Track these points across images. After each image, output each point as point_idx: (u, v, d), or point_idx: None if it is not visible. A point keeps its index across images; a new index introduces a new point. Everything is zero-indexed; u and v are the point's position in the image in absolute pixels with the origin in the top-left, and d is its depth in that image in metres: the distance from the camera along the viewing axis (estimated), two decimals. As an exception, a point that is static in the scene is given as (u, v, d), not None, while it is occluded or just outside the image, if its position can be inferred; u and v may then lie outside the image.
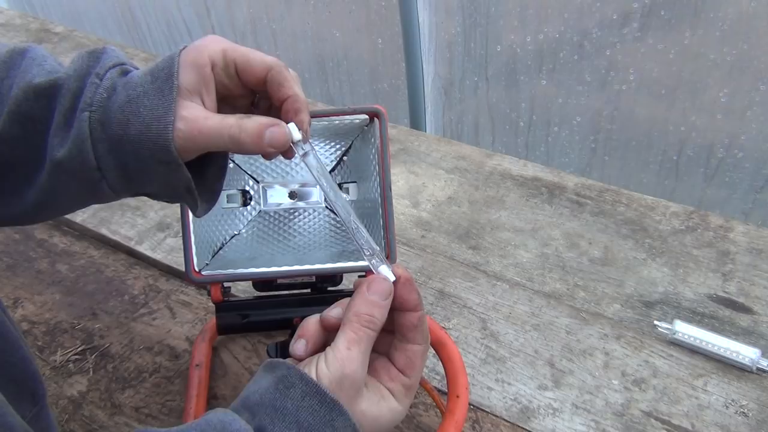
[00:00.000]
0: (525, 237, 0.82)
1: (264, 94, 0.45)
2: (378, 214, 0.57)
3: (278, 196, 0.63)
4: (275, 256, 0.61)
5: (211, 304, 0.75)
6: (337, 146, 0.62)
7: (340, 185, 0.62)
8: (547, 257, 0.79)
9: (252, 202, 0.63)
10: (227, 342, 0.72)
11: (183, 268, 0.56)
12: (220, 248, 0.61)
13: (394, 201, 0.59)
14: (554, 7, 1.06)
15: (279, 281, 0.60)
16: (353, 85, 1.45)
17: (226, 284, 0.61)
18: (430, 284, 0.77)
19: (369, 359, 0.42)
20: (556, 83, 1.15)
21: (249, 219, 0.63)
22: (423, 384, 0.61)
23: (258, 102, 0.47)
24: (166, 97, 0.40)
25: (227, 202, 0.61)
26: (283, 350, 0.55)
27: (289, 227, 0.64)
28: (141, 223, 0.88)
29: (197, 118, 0.40)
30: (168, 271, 0.82)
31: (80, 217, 0.89)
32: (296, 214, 0.64)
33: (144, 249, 0.84)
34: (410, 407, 0.64)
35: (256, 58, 0.42)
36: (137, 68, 0.44)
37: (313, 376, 0.39)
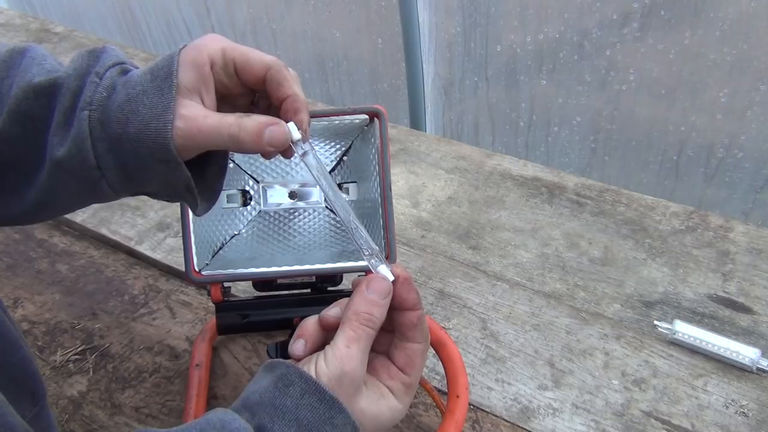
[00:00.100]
0: (525, 237, 0.82)
1: (263, 93, 0.45)
2: (378, 214, 0.57)
3: (278, 196, 0.63)
4: (275, 256, 0.61)
5: (211, 304, 0.75)
6: (337, 146, 0.62)
7: (340, 185, 0.62)
8: (547, 257, 0.79)
9: (252, 202, 0.63)
10: (227, 342, 0.72)
11: (183, 268, 0.56)
12: (220, 248, 0.61)
13: (394, 201, 0.59)
14: (554, 7, 1.06)
15: (279, 281, 0.60)
16: (353, 85, 1.45)
17: (226, 284, 0.61)
18: (430, 284, 0.77)
19: (368, 358, 0.42)
20: (556, 83, 1.15)
21: (249, 219, 0.63)
22: (423, 384, 0.61)
23: (258, 101, 0.47)
24: (166, 96, 0.40)
25: (227, 202, 0.61)
26: (283, 350, 0.55)
27: (289, 227, 0.64)
28: (141, 223, 0.88)
29: (196, 116, 0.40)
30: (168, 271, 0.82)
31: (80, 217, 0.89)
32: (296, 214, 0.64)
33: (144, 249, 0.84)
34: (410, 407, 0.64)
35: (256, 57, 0.42)
36: (137, 67, 0.44)
37: (313, 374, 0.39)
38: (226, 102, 0.45)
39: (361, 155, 0.60)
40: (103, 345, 0.73)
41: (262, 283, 0.61)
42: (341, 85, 1.47)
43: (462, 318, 0.73)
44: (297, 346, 0.43)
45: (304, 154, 0.44)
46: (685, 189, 1.15)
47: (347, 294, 0.60)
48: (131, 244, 0.84)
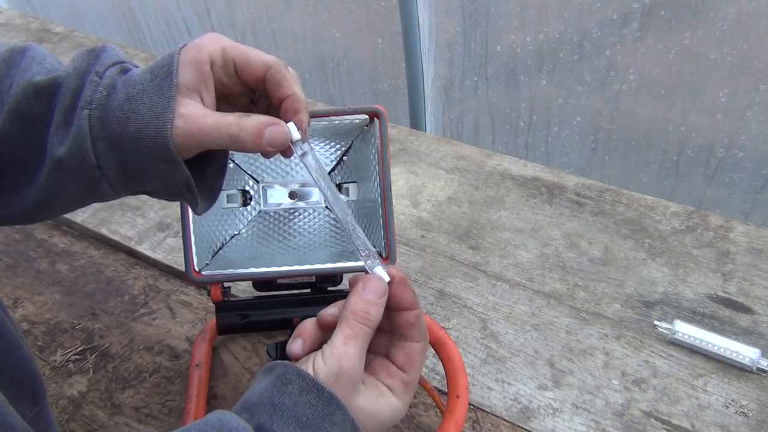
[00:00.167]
0: (525, 237, 0.82)
1: (263, 93, 0.45)
2: (378, 214, 0.57)
3: (278, 196, 0.63)
4: (275, 256, 0.61)
5: (211, 304, 0.75)
6: (337, 146, 0.62)
7: (340, 185, 0.62)
8: (547, 257, 0.79)
9: (252, 202, 0.63)
10: (227, 342, 0.72)
11: (183, 268, 0.56)
12: (220, 248, 0.61)
13: (394, 201, 0.59)
14: (554, 7, 1.06)
15: (279, 281, 0.60)
16: (353, 85, 1.45)
17: (226, 284, 0.61)
18: (430, 284, 0.77)
19: (367, 360, 0.43)
20: (556, 83, 1.15)
21: (249, 219, 0.63)
22: (423, 384, 0.61)
23: (257, 100, 0.47)
24: (165, 95, 0.40)
25: (227, 202, 0.61)
26: (283, 350, 0.55)
27: (289, 227, 0.64)
28: (141, 223, 0.88)
29: (196, 116, 0.40)
30: (168, 271, 0.82)
31: (80, 217, 0.89)
32: (296, 214, 0.64)
33: (144, 249, 0.84)
34: (410, 407, 0.64)
35: (255, 56, 0.42)
36: (136, 66, 0.44)
37: (311, 371, 0.40)
38: (225, 101, 0.45)
39: (361, 155, 0.60)
40: (103, 345, 0.73)
41: (262, 283, 0.61)
42: (341, 85, 1.47)
43: (462, 318, 0.73)
44: (295, 345, 0.43)
45: (304, 154, 0.44)
46: (685, 189, 1.15)
47: (347, 294, 0.60)
48: (131, 244, 0.84)
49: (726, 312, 0.71)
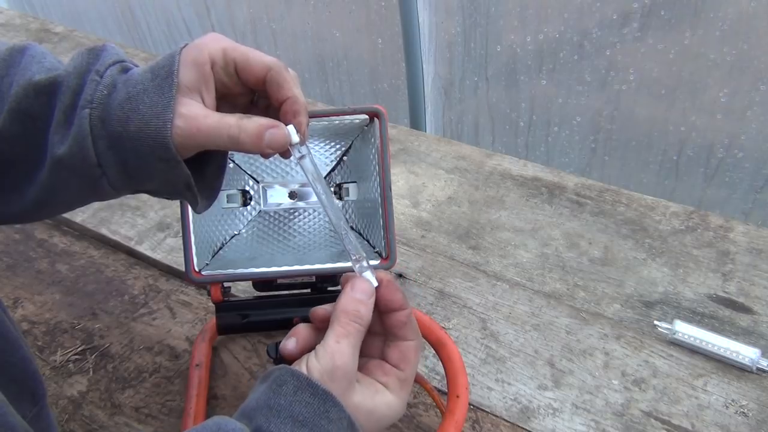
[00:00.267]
0: (525, 237, 0.82)
1: (263, 94, 0.45)
2: (378, 214, 0.57)
3: (278, 196, 0.63)
4: (275, 256, 0.61)
5: (211, 304, 0.75)
6: (337, 146, 0.62)
7: (340, 185, 0.62)
8: (547, 257, 0.79)
9: (252, 202, 0.63)
10: (227, 342, 0.72)
11: (183, 268, 0.56)
12: (220, 248, 0.61)
13: (394, 201, 0.59)
14: (554, 7, 1.06)
15: (279, 281, 0.60)
16: (353, 85, 1.45)
17: (226, 284, 0.61)
18: (430, 284, 0.77)
19: (362, 362, 0.43)
20: (556, 83, 1.15)
21: (249, 219, 0.63)
22: (423, 384, 0.61)
23: (257, 101, 0.47)
24: (166, 95, 0.40)
25: (227, 202, 0.61)
26: (282, 350, 0.55)
27: (289, 227, 0.64)
28: (141, 223, 0.88)
29: (197, 116, 0.41)
30: (168, 271, 0.82)
31: (80, 217, 0.89)
32: (296, 214, 0.64)
33: (144, 249, 0.84)
34: (410, 407, 0.64)
35: (256, 58, 0.43)
36: (136, 65, 0.44)
37: (304, 371, 0.40)
38: (225, 101, 0.45)
39: (361, 155, 0.60)
40: (103, 345, 0.73)
41: (262, 283, 0.61)
42: (341, 85, 1.47)
43: (462, 318, 0.73)
44: (288, 344, 0.44)
45: (302, 157, 0.45)
46: (685, 189, 1.15)
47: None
48: (131, 244, 0.84)
49: (726, 312, 0.71)
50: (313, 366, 0.40)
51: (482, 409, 0.64)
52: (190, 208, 0.56)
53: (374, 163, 0.57)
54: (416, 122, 1.34)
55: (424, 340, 0.61)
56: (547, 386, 0.66)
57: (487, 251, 0.81)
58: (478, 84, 1.25)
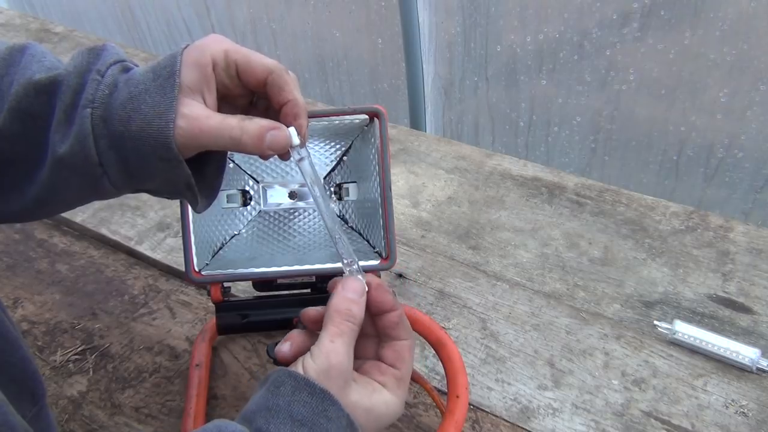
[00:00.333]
0: (525, 237, 0.82)
1: (263, 95, 0.45)
2: (378, 214, 0.57)
3: (278, 196, 0.63)
4: (275, 256, 0.61)
5: (211, 304, 0.75)
6: (337, 146, 0.62)
7: (339, 185, 0.62)
8: (547, 257, 0.79)
9: (252, 202, 0.63)
10: (227, 342, 0.72)
11: (183, 268, 0.56)
12: (220, 248, 0.61)
13: (394, 201, 0.59)
14: (554, 7, 1.06)
15: (279, 281, 0.60)
16: (353, 85, 1.45)
17: (226, 284, 0.61)
18: (430, 284, 0.77)
19: (358, 364, 0.44)
20: (556, 83, 1.15)
21: (249, 219, 0.63)
22: (423, 384, 0.61)
23: (256, 102, 0.47)
24: (168, 95, 0.40)
25: (227, 202, 0.61)
26: (282, 350, 0.55)
27: (289, 227, 0.64)
28: (141, 223, 0.88)
29: (199, 116, 0.41)
30: (168, 271, 0.82)
31: (80, 217, 0.89)
32: (296, 214, 0.64)
33: (144, 249, 0.84)
34: (410, 407, 0.64)
35: (257, 60, 0.43)
36: (137, 65, 0.44)
37: (301, 371, 0.40)
38: (225, 101, 0.45)
39: (361, 155, 0.60)
40: (103, 345, 0.73)
41: (262, 283, 0.61)
42: (341, 85, 1.47)
43: (462, 318, 0.73)
44: (283, 347, 0.45)
45: (301, 159, 0.45)
46: (685, 189, 1.15)
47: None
48: (131, 244, 0.84)
49: (726, 312, 0.71)
50: (309, 366, 0.41)
51: (482, 409, 0.64)
52: (190, 208, 0.56)
53: (374, 163, 0.57)
54: (416, 122, 1.34)
55: (424, 340, 0.61)
56: (547, 386, 0.66)
57: (487, 251, 0.81)
58: (478, 84, 1.25)
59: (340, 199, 0.62)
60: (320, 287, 0.60)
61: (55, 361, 0.72)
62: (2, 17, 1.46)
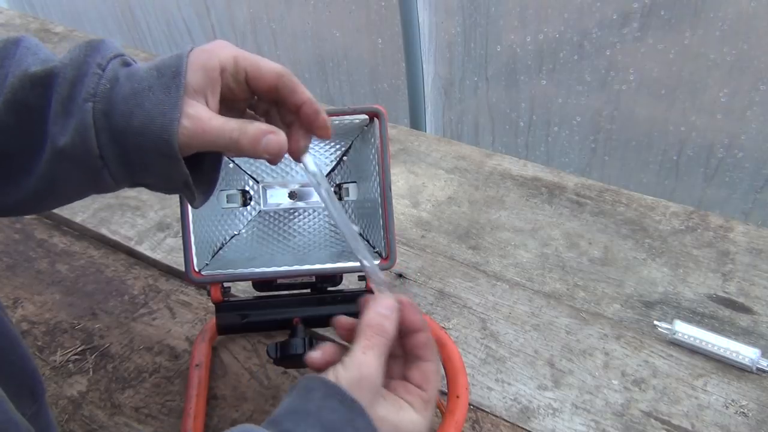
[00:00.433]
0: (525, 237, 0.82)
1: (268, 99, 0.46)
2: (378, 214, 0.57)
3: (278, 196, 0.63)
4: (275, 256, 0.61)
5: (211, 304, 0.75)
6: (337, 146, 0.62)
7: (339, 185, 0.62)
8: (547, 257, 0.79)
9: (252, 202, 0.63)
10: (227, 342, 0.72)
11: (183, 268, 0.56)
12: (220, 248, 0.61)
13: (394, 201, 0.59)
14: (554, 7, 1.06)
15: (279, 281, 0.60)
16: (353, 85, 1.45)
17: (226, 284, 0.61)
18: (430, 284, 0.77)
19: (384, 383, 0.44)
20: (556, 83, 1.15)
21: (249, 219, 0.63)
22: (423, 384, 0.61)
23: (256, 105, 0.48)
24: (173, 94, 0.41)
25: (227, 202, 0.61)
26: (283, 350, 0.55)
27: (289, 227, 0.64)
28: (141, 223, 0.88)
29: (201, 117, 0.41)
30: (168, 271, 0.82)
31: (80, 217, 0.89)
32: (296, 214, 0.64)
33: (144, 249, 0.84)
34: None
35: (266, 66, 0.44)
36: (135, 61, 0.45)
37: (332, 379, 0.40)
38: (224, 104, 0.45)
39: (361, 155, 0.60)
40: (103, 345, 0.73)
41: (261, 283, 0.61)
42: (341, 85, 1.47)
43: (462, 318, 0.73)
44: (314, 354, 0.45)
45: (318, 186, 0.47)
46: (685, 189, 1.15)
47: (347, 294, 0.60)
48: (131, 244, 0.84)
49: (726, 312, 0.71)
50: (340, 375, 0.41)
51: (482, 409, 0.64)
52: (189, 209, 0.56)
53: (374, 163, 0.57)
54: (416, 122, 1.34)
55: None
56: (547, 386, 0.66)
57: (487, 251, 0.81)
58: (478, 84, 1.25)
59: (340, 199, 0.62)
60: (320, 287, 0.60)
61: (55, 361, 0.72)
62: (2, 17, 1.46)
